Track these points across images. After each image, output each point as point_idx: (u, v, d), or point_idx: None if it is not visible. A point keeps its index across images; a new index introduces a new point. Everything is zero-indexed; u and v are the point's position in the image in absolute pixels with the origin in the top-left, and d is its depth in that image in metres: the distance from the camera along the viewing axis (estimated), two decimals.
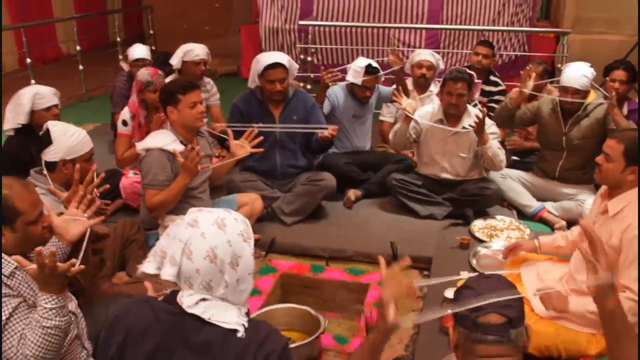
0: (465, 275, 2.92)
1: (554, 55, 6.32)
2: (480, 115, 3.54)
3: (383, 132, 4.76)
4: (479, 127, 3.56)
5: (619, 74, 4.14)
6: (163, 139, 3.04)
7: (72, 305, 1.96)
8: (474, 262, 3.23)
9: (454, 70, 3.72)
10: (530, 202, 3.87)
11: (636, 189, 2.35)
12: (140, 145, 3.09)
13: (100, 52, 9.11)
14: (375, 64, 4.14)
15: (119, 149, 3.84)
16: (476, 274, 1.51)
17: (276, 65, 3.63)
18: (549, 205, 3.85)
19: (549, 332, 2.39)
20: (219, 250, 1.43)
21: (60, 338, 1.75)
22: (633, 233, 2.26)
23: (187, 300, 1.44)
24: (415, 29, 7.32)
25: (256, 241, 3.50)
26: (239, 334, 1.44)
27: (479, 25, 7.37)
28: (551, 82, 4.65)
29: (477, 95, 3.83)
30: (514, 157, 4.48)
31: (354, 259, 3.40)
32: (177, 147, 3.01)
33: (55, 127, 2.58)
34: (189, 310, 1.43)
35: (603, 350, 2.35)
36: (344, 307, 3.17)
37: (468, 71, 3.75)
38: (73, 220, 2.10)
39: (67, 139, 2.56)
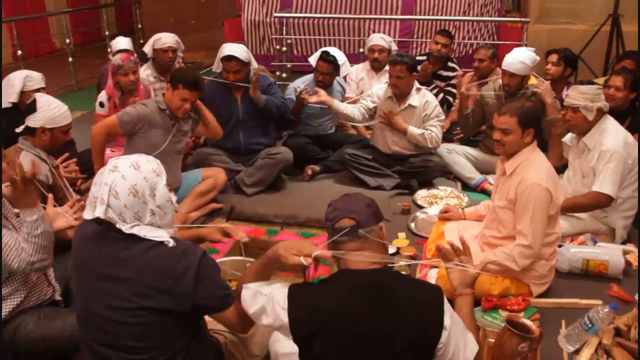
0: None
1: (519, 44, 6.64)
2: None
3: None
4: (389, 123, 4.06)
5: (552, 57, 4.55)
6: None
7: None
8: (412, 225, 3.60)
9: (396, 55, 4.09)
10: (474, 175, 4.23)
11: (526, 149, 2.72)
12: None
13: (91, 46, 9.45)
14: (335, 52, 4.47)
15: None
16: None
17: (231, 58, 3.95)
18: (490, 177, 4.20)
19: None
20: (139, 186, 1.75)
21: (50, 240, 2.18)
22: (525, 185, 2.63)
23: (124, 227, 1.76)
24: (390, 19, 7.65)
25: (218, 210, 3.90)
26: (170, 245, 1.75)
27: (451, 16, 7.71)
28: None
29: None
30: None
31: (306, 224, 3.76)
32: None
33: (42, 99, 2.92)
34: (127, 232, 1.75)
35: (504, 290, 2.72)
36: (294, 266, 3.51)
37: (410, 56, 4.09)
38: (62, 215, 2.48)
39: (50, 110, 2.88)
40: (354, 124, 4.52)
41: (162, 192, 1.80)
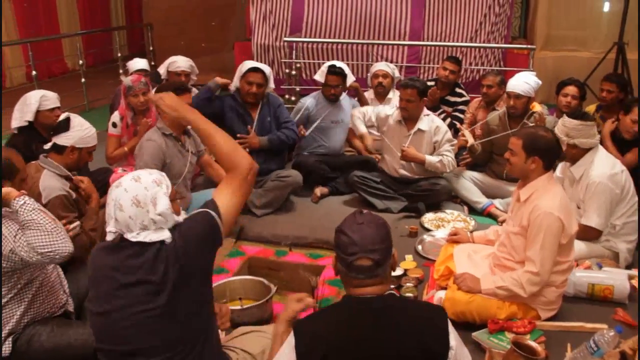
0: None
1: (526, 70, 6.73)
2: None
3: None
4: (405, 158, 4.15)
5: (571, 89, 4.57)
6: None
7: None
8: (419, 247, 3.63)
9: (407, 79, 4.17)
10: (480, 199, 4.27)
11: (541, 178, 2.76)
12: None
13: (103, 67, 9.61)
14: (339, 65, 4.58)
15: (109, 148, 4.27)
16: (353, 218, 1.84)
17: (258, 70, 4.11)
18: (496, 201, 4.24)
19: (463, 300, 2.76)
20: (140, 196, 1.84)
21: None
22: (537, 213, 2.66)
23: (130, 236, 1.84)
24: (398, 45, 7.76)
25: None
26: (167, 242, 1.83)
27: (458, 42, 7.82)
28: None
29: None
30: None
31: (314, 245, 3.81)
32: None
33: (75, 119, 3.02)
34: (133, 240, 1.83)
35: (511, 314, 2.75)
36: (302, 286, 3.55)
37: (422, 81, 4.17)
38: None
39: (82, 130, 3.00)
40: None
41: (163, 200, 1.87)
